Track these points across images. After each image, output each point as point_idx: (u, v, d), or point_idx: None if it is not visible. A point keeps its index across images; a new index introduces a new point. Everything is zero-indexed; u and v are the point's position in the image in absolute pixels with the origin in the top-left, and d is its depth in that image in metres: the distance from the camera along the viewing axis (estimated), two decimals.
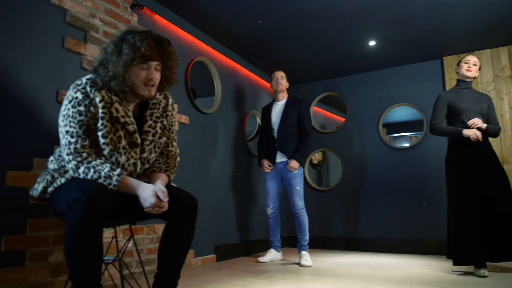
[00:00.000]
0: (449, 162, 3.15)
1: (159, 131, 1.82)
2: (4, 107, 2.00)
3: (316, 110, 5.38)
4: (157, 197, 1.57)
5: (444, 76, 4.51)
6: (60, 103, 2.25)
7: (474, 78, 3.22)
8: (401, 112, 4.82)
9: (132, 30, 1.68)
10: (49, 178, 1.65)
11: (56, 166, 1.70)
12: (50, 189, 1.62)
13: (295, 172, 3.71)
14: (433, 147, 4.44)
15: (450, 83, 4.41)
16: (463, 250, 2.88)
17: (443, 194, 4.27)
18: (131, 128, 1.68)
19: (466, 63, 3.17)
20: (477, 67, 3.17)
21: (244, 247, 4.25)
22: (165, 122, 1.86)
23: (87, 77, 1.64)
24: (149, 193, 1.57)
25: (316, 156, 5.36)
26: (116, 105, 1.65)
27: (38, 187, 1.65)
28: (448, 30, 3.88)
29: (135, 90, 1.67)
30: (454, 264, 2.92)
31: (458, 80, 3.26)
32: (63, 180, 1.60)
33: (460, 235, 2.91)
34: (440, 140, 4.36)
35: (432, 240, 4.29)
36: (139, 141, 1.72)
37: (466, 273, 2.97)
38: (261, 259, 3.77)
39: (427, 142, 4.54)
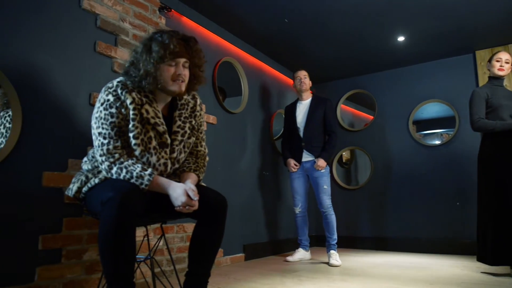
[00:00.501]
0: (484, 157, 3.02)
1: (188, 131, 1.84)
2: (40, 110, 2.07)
3: (344, 108, 5.32)
4: (188, 195, 1.59)
5: (477, 70, 4.37)
6: (93, 105, 2.31)
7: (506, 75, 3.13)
8: (432, 109, 4.71)
9: (159, 30, 1.73)
10: (83, 178, 1.69)
11: (89, 167, 1.74)
12: (84, 189, 1.67)
13: (322, 171, 3.69)
14: (465, 144, 4.32)
15: (483, 78, 4.27)
16: (502, 249, 2.76)
17: (476, 193, 4.15)
18: (161, 128, 1.71)
19: (498, 61, 3.06)
20: (509, 65, 3.07)
21: (273, 246, 4.26)
22: (193, 122, 1.88)
23: (118, 79, 1.68)
24: (180, 192, 1.59)
25: (344, 155, 5.30)
26: (146, 106, 1.68)
27: (73, 187, 1.70)
28: (480, 23, 3.75)
29: (165, 88, 1.70)
30: (492, 264, 2.81)
31: (490, 77, 3.16)
32: (96, 180, 1.64)
33: (499, 233, 2.79)
34: (473, 137, 4.23)
35: (465, 240, 4.17)
36: (169, 141, 1.75)
37: (501, 275, 2.88)
38: (289, 258, 3.77)
39: (459, 139, 4.42)
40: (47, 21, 2.16)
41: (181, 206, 1.59)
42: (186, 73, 1.73)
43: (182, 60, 1.70)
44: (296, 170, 3.85)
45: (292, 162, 3.87)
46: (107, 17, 2.47)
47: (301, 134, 3.85)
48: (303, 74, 3.95)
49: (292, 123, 3.94)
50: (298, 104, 3.99)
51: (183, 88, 1.73)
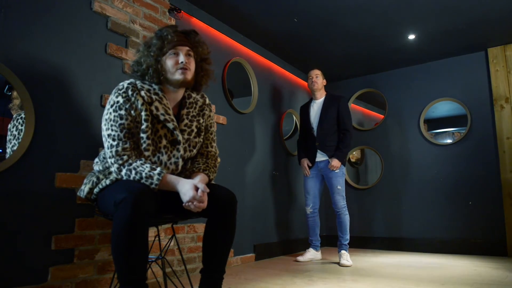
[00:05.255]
0: None
1: (195, 130, 1.85)
2: (53, 112, 2.10)
3: (354, 107, 5.29)
4: (196, 190, 1.59)
5: (489, 68, 4.32)
6: (104, 107, 2.33)
7: None
8: (443, 107, 4.66)
9: (161, 28, 1.79)
10: (94, 179, 1.71)
11: (101, 168, 1.76)
12: (96, 190, 1.68)
13: (336, 171, 3.67)
14: (477, 143, 4.27)
15: (496, 76, 4.22)
16: None
17: (489, 192, 4.12)
18: (171, 125, 1.72)
19: None
20: None
21: (283, 246, 4.25)
22: (201, 121, 1.88)
23: (128, 81, 1.70)
24: (188, 187, 1.59)
25: (354, 154, 5.27)
26: (156, 103, 1.70)
27: (85, 188, 1.72)
28: (492, 20, 3.69)
29: (171, 79, 1.73)
30: None
31: None
32: (108, 182, 1.65)
33: None
34: (485, 135, 4.19)
35: (478, 239, 4.13)
36: (180, 138, 1.76)
37: None
38: (300, 258, 3.76)
39: (471, 138, 4.36)
40: (59, 24, 2.18)
41: (190, 200, 1.58)
42: (190, 62, 1.75)
43: (185, 48, 1.74)
44: (309, 175, 3.84)
45: (305, 162, 3.87)
46: (117, 19, 2.49)
47: (315, 133, 3.84)
48: (315, 74, 3.93)
49: (306, 123, 3.93)
50: (312, 104, 3.98)
51: (189, 76, 1.74)
